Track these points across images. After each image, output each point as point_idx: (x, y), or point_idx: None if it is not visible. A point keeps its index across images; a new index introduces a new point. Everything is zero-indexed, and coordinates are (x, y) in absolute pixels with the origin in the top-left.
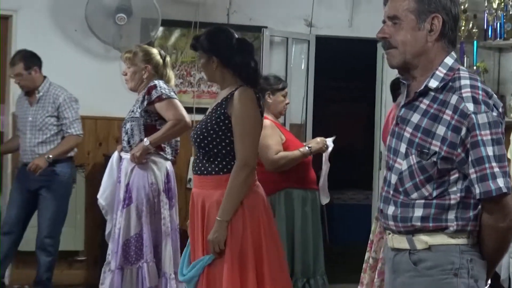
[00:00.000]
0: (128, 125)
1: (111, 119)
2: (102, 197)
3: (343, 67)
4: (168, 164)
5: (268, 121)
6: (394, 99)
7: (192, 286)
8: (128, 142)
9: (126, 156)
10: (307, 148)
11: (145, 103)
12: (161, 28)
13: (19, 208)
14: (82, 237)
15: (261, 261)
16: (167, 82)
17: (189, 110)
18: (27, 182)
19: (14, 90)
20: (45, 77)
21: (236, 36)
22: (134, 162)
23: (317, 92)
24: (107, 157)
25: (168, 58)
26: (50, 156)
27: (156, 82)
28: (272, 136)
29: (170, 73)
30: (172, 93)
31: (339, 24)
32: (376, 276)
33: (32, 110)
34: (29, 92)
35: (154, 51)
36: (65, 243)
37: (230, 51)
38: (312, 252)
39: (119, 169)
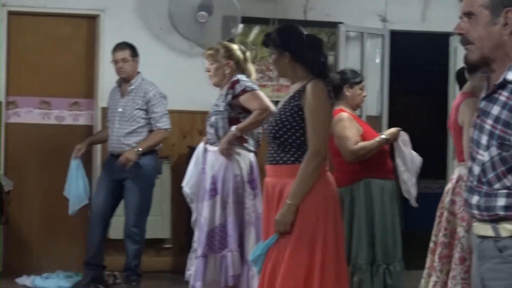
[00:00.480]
0: (213, 118)
1: (195, 112)
2: (187, 186)
3: (416, 60)
4: (251, 156)
5: (345, 113)
6: (460, 88)
7: (259, 265)
8: (216, 134)
9: (211, 148)
10: (382, 137)
11: (229, 97)
12: (241, 25)
13: (106, 197)
14: (169, 226)
15: (325, 250)
16: (248, 76)
17: None
18: (114, 172)
19: (103, 85)
20: (138, 72)
21: (305, 32)
22: (222, 155)
23: (391, 85)
24: (191, 149)
25: (248, 53)
26: (140, 149)
27: (239, 76)
28: (351, 128)
29: (251, 68)
30: (254, 86)
31: (412, 18)
32: (436, 260)
33: (122, 101)
34: (122, 83)
35: (235, 47)
36: (152, 231)
37: (301, 46)
38: (391, 240)
39: (204, 160)
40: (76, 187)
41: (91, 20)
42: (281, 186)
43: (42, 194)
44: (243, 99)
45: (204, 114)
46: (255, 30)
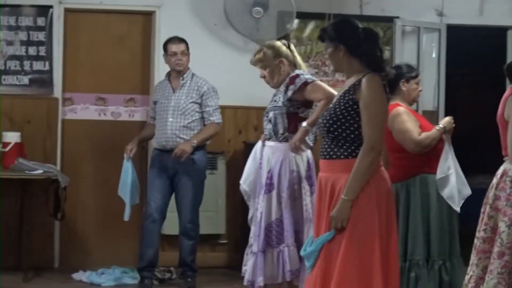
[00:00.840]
0: (271, 114)
1: (250, 108)
2: (245, 183)
3: (473, 54)
4: (308, 152)
5: (402, 108)
6: (511, 82)
7: (311, 261)
8: (273, 130)
9: (269, 143)
10: (440, 125)
11: (290, 92)
12: (296, 21)
13: (162, 194)
14: (224, 221)
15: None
16: (299, 68)
17: None
18: (166, 168)
19: (158, 81)
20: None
21: (361, 26)
22: (294, 151)
23: (448, 79)
24: (247, 144)
25: (292, 45)
26: (195, 141)
27: (296, 71)
28: (410, 120)
29: (299, 59)
30: (314, 77)
31: (469, 12)
32: (474, 254)
33: (175, 95)
34: (173, 77)
35: (278, 43)
36: (207, 227)
37: (357, 39)
38: (447, 235)
39: (261, 155)
40: (132, 190)
41: (147, 17)
42: (334, 181)
43: (98, 190)
44: (307, 92)
45: (259, 110)
46: (310, 26)
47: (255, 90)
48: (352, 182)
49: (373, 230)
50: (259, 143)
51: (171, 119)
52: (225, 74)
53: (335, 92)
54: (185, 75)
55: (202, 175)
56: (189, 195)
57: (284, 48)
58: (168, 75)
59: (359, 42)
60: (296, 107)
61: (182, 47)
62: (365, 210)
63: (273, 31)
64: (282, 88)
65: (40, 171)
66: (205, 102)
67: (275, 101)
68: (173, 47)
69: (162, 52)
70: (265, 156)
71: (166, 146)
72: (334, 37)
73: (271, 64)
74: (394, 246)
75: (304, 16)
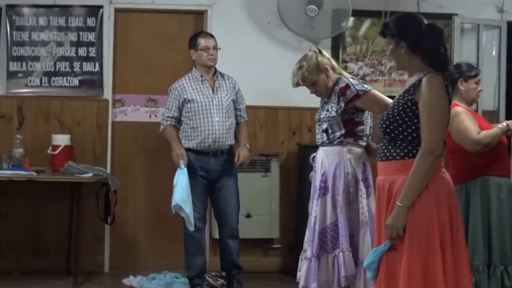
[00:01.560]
0: (325, 125)
1: (304, 109)
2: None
3: None
4: (365, 153)
5: (460, 108)
6: None
7: (372, 272)
8: (328, 138)
9: (322, 147)
10: (504, 124)
11: (342, 104)
12: (351, 19)
13: (202, 201)
14: (277, 225)
15: (443, 251)
16: (334, 69)
17: None
18: (206, 170)
19: None
20: None
21: (425, 21)
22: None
23: (508, 78)
24: (300, 146)
25: (323, 50)
26: (247, 145)
27: (346, 80)
28: (469, 120)
29: (334, 62)
30: (364, 85)
31: None
32: None
33: (217, 94)
34: (205, 74)
35: (310, 54)
36: (261, 231)
37: (419, 36)
38: (509, 240)
39: (314, 159)
40: (189, 201)
41: (198, 16)
42: (390, 183)
43: (149, 193)
44: (360, 104)
45: (313, 111)
46: (366, 24)
47: (308, 91)
48: (408, 187)
49: (433, 237)
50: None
51: (217, 119)
52: (279, 74)
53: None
54: (217, 72)
55: (237, 175)
56: (234, 197)
57: (320, 58)
58: (194, 71)
59: (421, 39)
60: (351, 113)
61: (213, 41)
62: (423, 216)
63: (328, 29)
64: (334, 98)
65: (90, 174)
66: (239, 100)
67: (327, 110)
68: (206, 41)
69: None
70: (319, 159)
71: (212, 147)
72: (395, 33)
73: (317, 77)
74: (464, 250)
75: (360, 14)
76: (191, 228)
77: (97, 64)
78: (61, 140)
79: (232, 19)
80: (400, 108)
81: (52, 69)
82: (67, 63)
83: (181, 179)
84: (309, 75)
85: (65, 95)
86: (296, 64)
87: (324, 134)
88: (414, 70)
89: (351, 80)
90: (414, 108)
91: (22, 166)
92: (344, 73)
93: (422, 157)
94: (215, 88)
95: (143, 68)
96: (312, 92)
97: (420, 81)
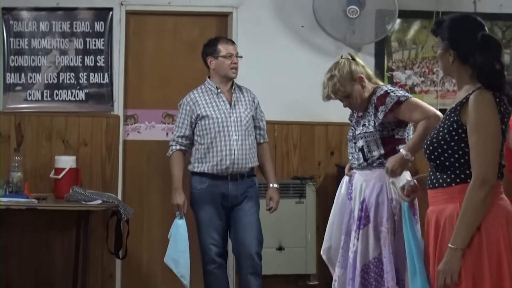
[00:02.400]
0: (361, 142)
1: (343, 124)
2: (324, 251)
3: None
4: (408, 175)
5: None
6: None
7: None
8: (365, 159)
9: (360, 171)
10: None
11: (381, 115)
12: (398, 20)
13: (221, 233)
14: (314, 259)
15: None
16: (370, 78)
17: None
18: (224, 197)
19: None
20: None
21: (486, 30)
22: (390, 176)
23: None
24: (340, 168)
25: (356, 57)
26: (276, 185)
27: (384, 88)
28: None
29: (367, 69)
30: (404, 92)
31: None
32: None
33: (235, 108)
34: (221, 86)
35: (343, 61)
36: (295, 266)
37: (471, 46)
38: None
39: (350, 184)
40: (184, 257)
41: (222, 19)
42: (438, 214)
43: (166, 223)
44: (401, 112)
45: None
46: (415, 26)
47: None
48: (460, 226)
49: (502, 277)
50: (345, 180)
51: (235, 137)
52: (314, 85)
53: (436, 111)
54: (234, 84)
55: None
56: (255, 226)
57: (353, 66)
58: (208, 83)
59: (473, 51)
60: (391, 129)
61: (235, 48)
62: (483, 255)
63: (371, 33)
64: (371, 110)
65: (98, 202)
66: (259, 116)
67: (364, 125)
68: (228, 48)
69: (241, 60)
70: (356, 184)
71: (230, 170)
72: (446, 37)
73: (351, 88)
74: None
75: (408, 15)
76: (187, 286)
77: (106, 75)
78: (66, 162)
79: (260, 23)
80: (446, 131)
81: (55, 81)
82: (72, 74)
83: (176, 233)
84: (342, 87)
85: (70, 111)
86: (326, 73)
87: (360, 154)
88: (463, 82)
89: (389, 87)
90: (460, 131)
91: (21, 192)
92: (381, 82)
93: (474, 189)
94: (232, 102)
95: (159, 79)
96: (345, 106)
97: (467, 99)
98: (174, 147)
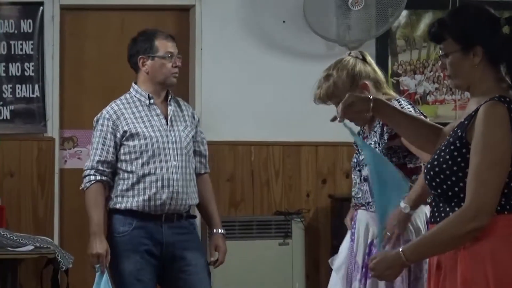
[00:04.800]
0: (366, 171)
1: (338, 144)
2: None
3: None
4: (428, 209)
5: None
6: None
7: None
8: (371, 192)
9: (364, 210)
10: None
11: (386, 136)
12: (404, 12)
13: None
14: None
15: None
16: (380, 87)
17: None
18: (157, 243)
19: (204, 110)
20: None
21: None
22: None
23: None
24: (334, 200)
25: (368, 57)
26: (222, 231)
27: (395, 102)
28: None
29: (380, 75)
30: (417, 110)
31: None
32: None
33: (174, 126)
34: (155, 95)
35: (346, 60)
36: None
37: (498, 37)
38: None
39: (353, 225)
40: None
41: (182, 14)
42: (438, 257)
43: None
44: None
45: (350, 147)
46: (426, 19)
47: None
48: (424, 243)
49: None
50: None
51: (174, 163)
52: (299, 95)
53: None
54: (170, 94)
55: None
56: (206, 280)
57: (360, 65)
58: (135, 91)
59: (499, 43)
60: (402, 156)
61: (176, 47)
62: None
63: (369, 28)
64: (377, 128)
65: (29, 247)
66: (199, 138)
67: None
68: (169, 45)
69: (206, 63)
70: (361, 225)
71: (167, 207)
72: (463, 34)
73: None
74: None
75: (417, 5)
76: None
77: (36, 87)
78: None
79: (230, 19)
80: (447, 150)
81: None
82: None
83: None
84: (337, 91)
85: None
86: (324, 71)
87: (365, 186)
88: (480, 91)
89: (404, 102)
90: (464, 151)
91: None
92: (393, 93)
93: (462, 220)
94: (169, 118)
95: (103, 90)
96: (340, 120)
97: (476, 111)
98: (92, 177)
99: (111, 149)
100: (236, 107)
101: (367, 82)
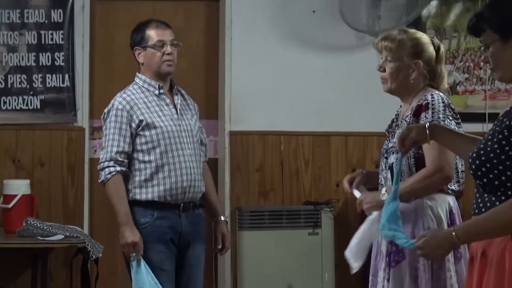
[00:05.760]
0: (391, 159)
1: (368, 134)
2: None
3: None
4: (451, 199)
5: None
6: None
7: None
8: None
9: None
10: None
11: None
12: (434, 2)
13: (173, 281)
14: None
15: None
16: (439, 86)
17: (479, 117)
18: (176, 232)
19: (233, 99)
20: None
21: None
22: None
23: None
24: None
25: (442, 48)
26: (225, 218)
27: (429, 97)
28: None
29: (444, 71)
30: (448, 121)
31: None
32: None
33: (184, 116)
34: (162, 85)
35: (426, 39)
36: None
37: None
38: None
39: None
40: None
41: (212, 4)
42: (485, 248)
43: None
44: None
45: (380, 137)
46: (456, 9)
47: (375, 107)
48: (482, 224)
49: None
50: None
51: (189, 151)
52: (327, 85)
53: (449, 169)
54: (174, 83)
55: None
56: (200, 273)
57: (431, 49)
58: (142, 80)
59: None
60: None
61: (170, 33)
62: None
63: (399, 18)
64: (408, 113)
65: (59, 237)
66: (199, 127)
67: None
68: (159, 33)
69: (235, 53)
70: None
71: (186, 196)
72: (502, 23)
73: (401, 59)
74: None
75: None
76: None
77: (66, 77)
78: (17, 188)
79: (260, 8)
80: (495, 139)
81: (2, 86)
82: (24, 76)
83: (138, 278)
84: (395, 48)
85: (22, 123)
86: (403, 29)
87: (389, 174)
88: None
89: (437, 102)
90: None
91: None
92: (435, 91)
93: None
94: (178, 107)
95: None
96: (378, 69)
97: None
98: (112, 168)
99: (127, 140)
100: (265, 97)
101: (420, 63)
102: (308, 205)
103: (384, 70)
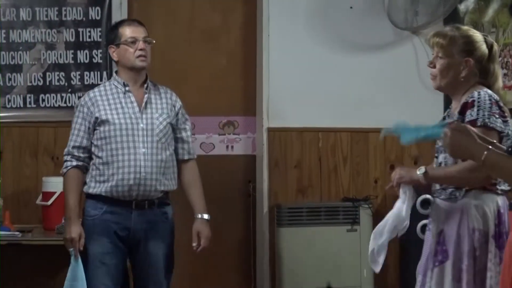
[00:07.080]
0: (441, 158)
1: None
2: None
3: None
4: (501, 199)
5: None
6: None
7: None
8: None
9: (438, 198)
10: None
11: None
12: None
13: (116, 274)
14: None
15: None
16: (492, 84)
17: None
18: (124, 229)
19: (271, 95)
20: None
21: None
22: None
23: None
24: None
25: (496, 47)
26: (206, 216)
27: (475, 95)
28: None
29: (498, 71)
30: (494, 118)
31: None
32: None
33: (145, 111)
34: (129, 81)
35: (479, 37)
36: None
37: None
38: None
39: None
40: None
41: (249, 1)
42: None
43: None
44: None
45: None
46: (495, 4)
47: (412, 103)
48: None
49: None
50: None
51: (143, 150)
52: (365, 81)
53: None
54: (148, 81)
55: (173, 236)
56: (162, 268)
57: (483, 47)
58: (114, 79)
59: None
60: None
61: (143, 30)
62: None
63: (437, 13)
64: (455, 113)
65: None
66: (181, 125)
67: None
68: (131, 31)
69: (273, 50)
70: (438, 213)
71: (135, 193)
72: None
73: (453, 56)
74: None
75: None
76: None
77: (104, 74)
78: (56, 185)
79: (298, 5)
80: None
81: (41, 83)
82: (62, 74)
83: (73, 275)
84: (447, 45)
85: (60, 120)
86: (457, 26)
87: None
88: None
89: (484, 100)
90: None
91: (0, 223)
92: (483, 88)
93: None
94: (143, 104)
95: (171, 76)
96: (428, 65)
97: None
98: (68, 163)
99: (85, 135)
100: (303, 93)
101: (471, 61)
102: (347, 202)
103: (434, 66)
